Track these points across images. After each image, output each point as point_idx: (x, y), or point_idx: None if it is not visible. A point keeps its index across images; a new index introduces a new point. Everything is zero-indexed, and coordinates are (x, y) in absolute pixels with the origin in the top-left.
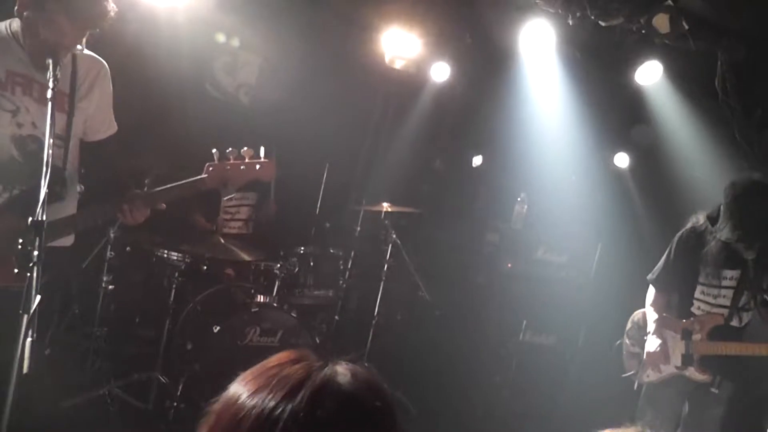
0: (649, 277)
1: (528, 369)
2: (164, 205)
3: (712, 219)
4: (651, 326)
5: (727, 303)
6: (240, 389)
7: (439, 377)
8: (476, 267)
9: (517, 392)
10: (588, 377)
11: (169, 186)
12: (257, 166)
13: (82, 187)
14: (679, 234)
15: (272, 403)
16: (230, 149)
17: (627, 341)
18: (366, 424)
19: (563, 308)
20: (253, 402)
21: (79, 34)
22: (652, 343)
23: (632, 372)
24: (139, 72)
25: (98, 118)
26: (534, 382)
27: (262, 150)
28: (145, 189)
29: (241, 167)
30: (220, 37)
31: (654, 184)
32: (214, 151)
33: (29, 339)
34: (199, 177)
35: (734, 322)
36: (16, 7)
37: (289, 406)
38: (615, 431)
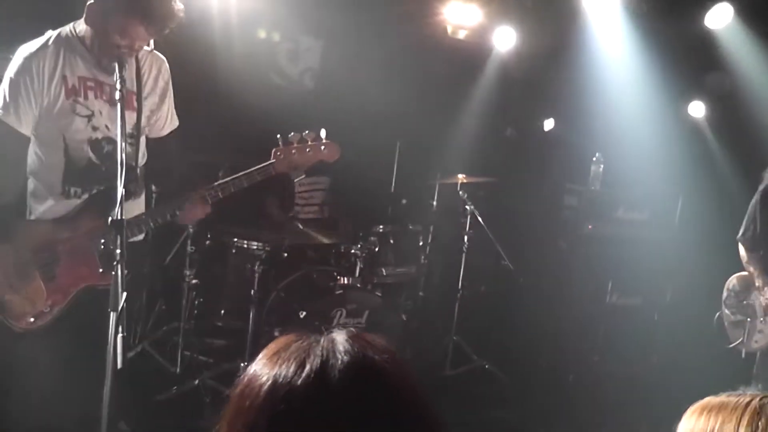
0: (739, 237)
1: (616, 332)
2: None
3: None
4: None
5: None
6: (253, 369)
7: (528, 345)
8: (557, 232)
9: (606, 356)
10: (678, 337)
11: (239, 174)
12: (322, 148)
13: (156, 187)
14: (762, 187)
15: (285, 374)
16: (293, 134)
17: (726, 311)
18: (372, 382)
19: (648, 267)
20: (267, 375)
21: (151, 37)
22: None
23: (739, 341)
24: (203, 67)
25: (162, 114)
26: (623, 346)
27: (323, 132)
28: (218, 182)
29: (307, 150)
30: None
31: (732, 131)
32: (278, 136)
33: (120, 335)
34: (267, 163)
35: None
36: (84, 15)
37: (302, 375)
38: (732, 395)
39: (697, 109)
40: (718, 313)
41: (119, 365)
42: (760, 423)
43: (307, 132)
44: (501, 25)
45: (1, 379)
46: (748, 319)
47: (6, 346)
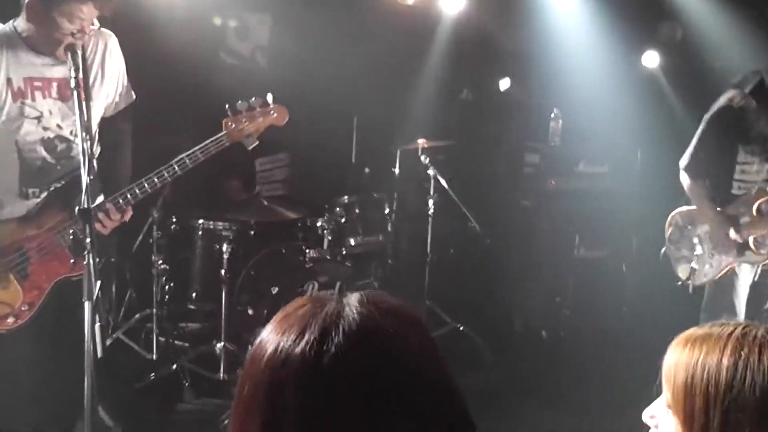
0: (681, 163)
1: (586, 285)
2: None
3: (759, 95)
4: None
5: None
6: (262, 335)
7: (500, 305)
8: (520, 190)
9: (578, 310)
10: (647, 286)
11: (191, 151)
12: (271, 112)
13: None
14: (709, 114)
15: (285, 341)
16: (240, 102)
17: (671, 247)
18: (372, 353)
19: (612, 219)
20: (271, 341)
21: (98, 13)
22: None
23: (686, 277)
24: (151, 47)
25: (115, 91)
26: (594, 298)
27: (270, 96)
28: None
29: (257, 116)
30: (226, 6)
31: (686, 79)
32: (227, 106)
33: (98, 324)
34: (220, 134)
35: None
36: (24, 13)
37: (300, 342)
38: (716, 326)
39: (651, 59)
40: (663, 250)
41: (99, 354)
42: (742, 352)
43: (254, 99)
44: None
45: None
46: (697, 251)
47: None
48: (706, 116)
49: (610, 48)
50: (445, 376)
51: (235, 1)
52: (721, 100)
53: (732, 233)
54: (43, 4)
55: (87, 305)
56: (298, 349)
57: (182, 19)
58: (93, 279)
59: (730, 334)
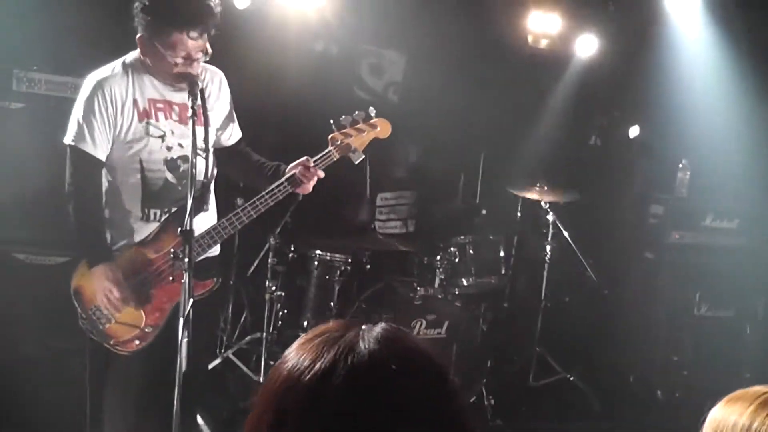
0: None
1: (706, 346)
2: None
3: None
4: None
5: None
6: (286, 354)
7: (614, 358)
8: (642, 241)
9: (696, 371)
10: None
11: (299, 161)
12: (375, 126)
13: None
14: None
15: (298, 367)
16: (344, 116)
17: None
18: (377, 390)
19: (739, 278)
20: (288, 363)
21: (201, 43)
22: None
23: None
24: (285, 85)
25: (226, 127)
26: (713, 359)
27: (372, 110)
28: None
29: (362, 131)
30: (365, 41)
31: None
32: (331, 121)
33: (185, 339)
34: (327, 150)
35: None
36: (138, 49)
37: (310, 371)
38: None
39: None
40: None
41: (183, 367)
42: (760, 413)
43: (357, 113)
44: (582, 33)
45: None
46: None
47: (109, 368)
48: None
49: (745, 96)
50: (454, 424)
51: (372, 38)
52: None
53: None
54: (148, 38)
55: (180, 321)
56: (306, 378)
57: (319, 56)
58: (186, 297)
59: (760, 395)
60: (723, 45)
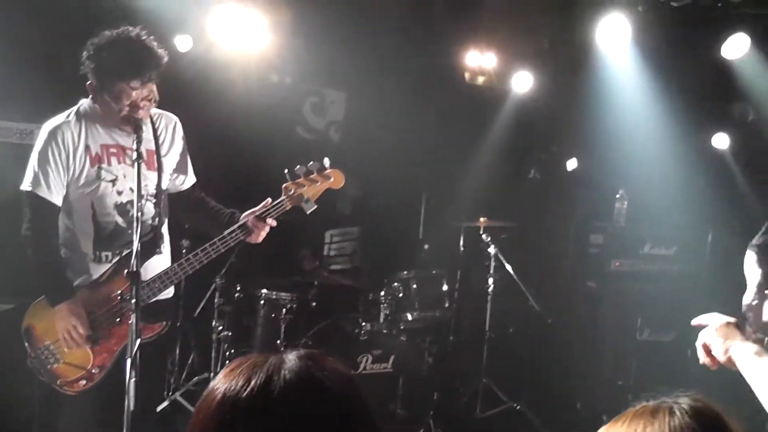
0: (753, 242)
1: (649, 369)
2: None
3: None
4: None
5: None
6: (211, 384)
7: (560, 385)
8: (584, 270)
9: (640, 394)
10: (712, 373)
11: (252, 211)
12: (329, 177)
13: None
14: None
15: (233, 388)
16: (298, 166)
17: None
18: (311, 399)
19: (679, 302)
20: (219, 389)
21: (146, 91)
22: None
23: None
24: (230, 124)
25: (180, 172)
26: (657, 382)
27: (326, 160)
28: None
29: (315, 181)
30: (306, 81)
31: (758, 161)
32: (285, 171)
33: (133, 380)
34: (280, 199)
35: None
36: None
37: (246, 389)
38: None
39: (721, 140)
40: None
41: (131, 407)
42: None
43: (311, 163)
44: (518, 69)
45: None
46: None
47: (57, 409)
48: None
49: (680, 129)
50: (367, 419)
51: (314, 77)
52: None
53: None
54: (96, 86)
55: (128, 362)
56: (245, 394)
57: (261, 96)
58: (134, 338)
59: (641, 409)
60: (653, 81)
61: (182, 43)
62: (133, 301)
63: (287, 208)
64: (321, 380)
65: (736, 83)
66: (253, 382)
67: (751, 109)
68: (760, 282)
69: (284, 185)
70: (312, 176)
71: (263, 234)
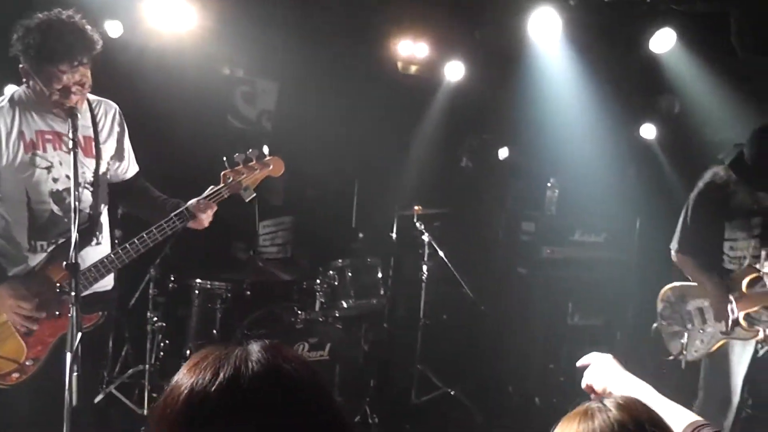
0: (672, 245)
1: (580, 353)
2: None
3: (738, 168)
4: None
5: (758, 252)
6: (175, 379)
7: (492, 371)
8: (516, 257)
9: (572, 377)
10: (641, 355)
11: (194, 200)
12: (268, 164)
13: (120, 232)
14: (696, 192)
15: (201, 382)
16: (237, 154)
17: (663, 322)
18: (281, 384)
19: (608, 288)
20: (186, 384)
21: (78, 75)
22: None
23: (678, 353)
24: (162, 113)
25: (122, 159)
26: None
27: (266, 148)
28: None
29: (254, 169)
30: (237, 70)
31: (683, 151)
32: (224, 159)
33: (75, 374)
34: (219, 186)
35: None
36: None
37: (215, 383)
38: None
39: (648, 131)
40: (654, 325)
41: (74, 403)
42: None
43: (250, 151)
44: (450, 59)
45: None
46: (689, 326)
47: None
48: (692, 195)
49: (609, 119)
50: (332, 405)
51: (244, 66)
52: (705, 177)
53: (730, 307)
54: (27, 70)
55: (68, 356)
56: (214, 388)
57: (193, 84)
58: (74, 331)
59: (574, 411)
60: (583, 72)
61: (113, 28)
62: (73, 293)
63: (225, 196)
64: (288, 371)
65: (663, 76)
66: (221, 376)
67: (677, 102)
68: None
69: (223, 173)
70: (251, 164)
71: (207, 219)
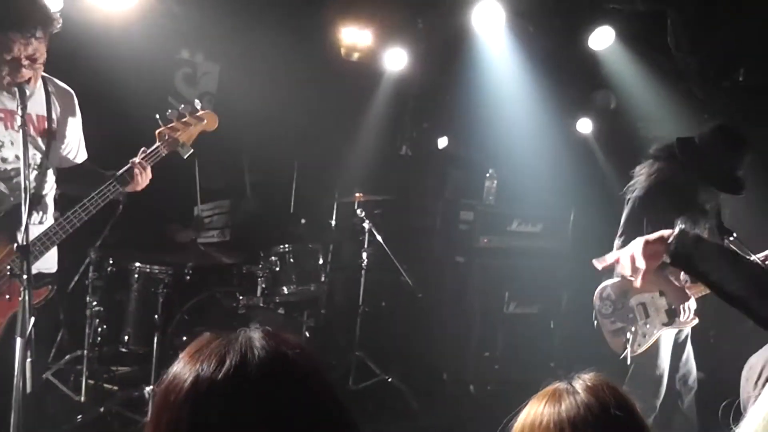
0: (617, 243)
1: (516, 340)
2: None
3: (688, 163)
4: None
5: None
6: (175, 368)
7: (429, 358)
8: (453, 246)
9: (507, 364)
10: (574, 342)
11: (134, 159)
12: (203, 120)
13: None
14: (631, 189)
15: (206, 370)
16: (170, 110)
17: (604, 320)
18: (286, 374)
19: (543, 277)
20: (189, 371)
21: (30, 50)
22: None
23: (626, 350)
24: (100, 91)
25: (73, 144)
26: (522, 353)
27: (197, 102)
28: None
29: (189, 125)
30: (179, 50)
31: (619, 145)
32: (157, 116)
33: (28, 360)
34: (155, 146)
35: None
36: None
37: (222, 370)
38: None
39: (585, 125)
40: (596, 324)
41: (28, 390)
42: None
43: (183, 106)
44: (392, 47)
45: None
46: (633, 323)
47: None
48: (629, 194)
49: (547, 113)
50: (331, 390)
51: (186, 48)
52: (649, 172)
53: (663, 302)
54: None
55: (19, 341)
56: (221, 375)
57: (132, 63)
58: (27, 316)
59: (542, 392)
60: (525, 65)
61: (53, 2)
62: (25, 276)
63: (163, 154)
64: (292, 358)
65: (601, 73)
66: (228, 363)
67: (613, 98)
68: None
69: (158, 131)
70: (185, 119)
71: (144, 181)
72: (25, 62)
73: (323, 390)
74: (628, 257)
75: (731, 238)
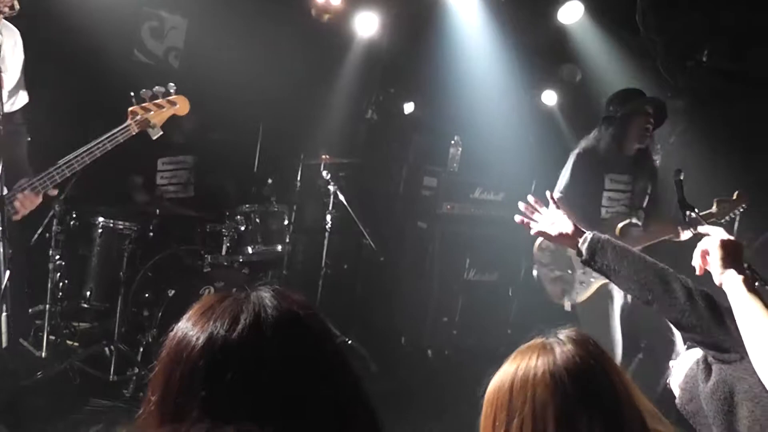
0: (557, 195)
1: (474, 307)
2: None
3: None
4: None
5: (628, 203)
6: (184, 325)
7: (389, 321)
8: (416, 212)
9: (465, 330)
10: (531, 310)
11: (98, 140)
12: (175, 104)
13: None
14: (576, 149)
15: (219, 328)
16: (143, 90)
17: (543, 269)
18: (301, 330)
19: (503, 245)
20: (199, 332)
21: None
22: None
23: (559, 298)
24: (65, 42)
25: (18, 88)
26: (480, 319)
27: (171, 86)
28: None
29: (161, 107)
30: (143, 5)
31: (582, 118)
32: (131, 94)
33: (4, 314)
34: (125, 124)
35: (635, 220)
36: None
37: (236, 329)
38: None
39: (550, 97)
40: (535, 273)
41: (3, 344)
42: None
43: (156, 87)
44: (364, 11)
45: None
46: (569, 271)
47: None
48: (573, 150)
49: (513, 84)
50: (339, 349)
51: (154, 2)
52: (589, 136)
53: None
54: None
55: None
56: (235, 334)
57: (97, 14)
58: (2, 269)
59: (529, 344)
60: (496, 35)
61: None
62: (0, 228)
63: (133, 133)
64: (304, 317)
65: (568, 46)
66: (242, 322)
67: (579, 71)
68: None
69: (131, 109)
70: (158, 101)
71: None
72: None
73: (334, 350)
74: None
75: (693, 214)
